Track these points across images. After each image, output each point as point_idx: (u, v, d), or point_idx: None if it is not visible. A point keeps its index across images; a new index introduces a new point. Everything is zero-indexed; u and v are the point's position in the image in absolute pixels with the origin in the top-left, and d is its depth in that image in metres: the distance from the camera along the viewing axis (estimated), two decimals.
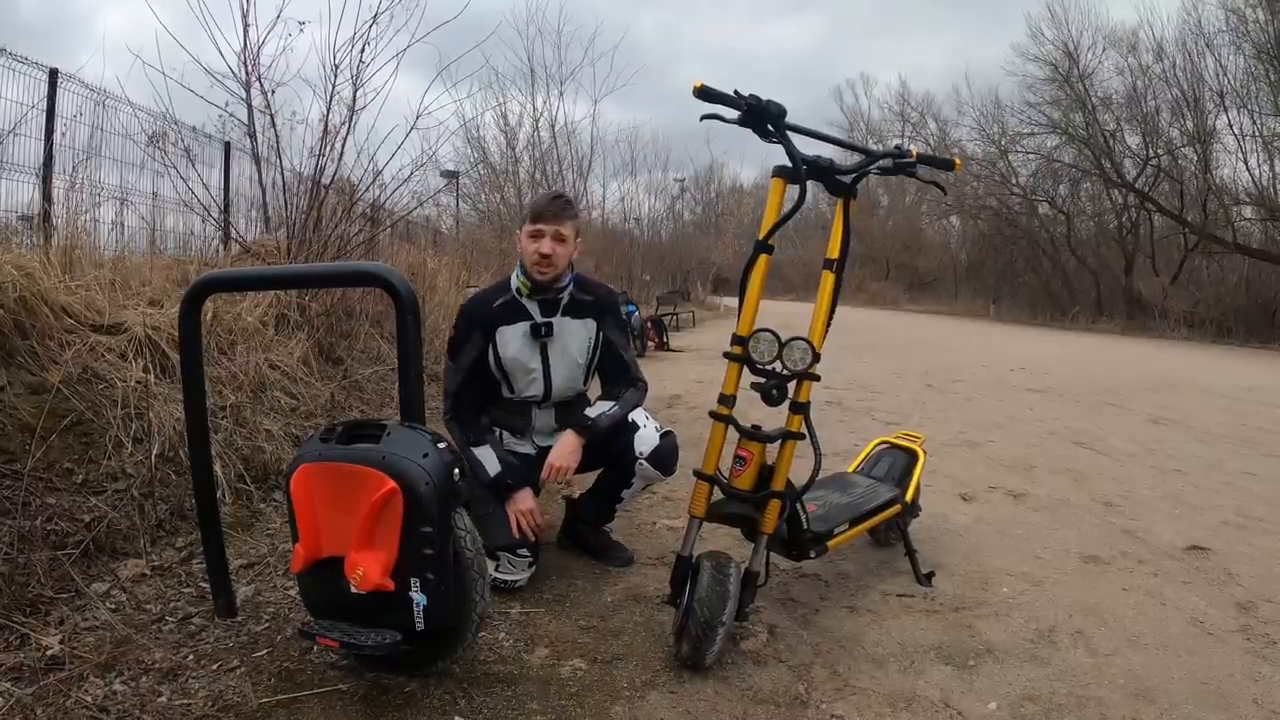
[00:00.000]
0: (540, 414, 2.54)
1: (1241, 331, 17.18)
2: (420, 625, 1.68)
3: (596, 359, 2.54)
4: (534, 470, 2.44)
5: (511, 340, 2.43)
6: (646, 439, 2.46)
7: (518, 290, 2.45)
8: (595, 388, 2.61)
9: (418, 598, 1.67)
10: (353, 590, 1.66)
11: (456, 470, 1.73)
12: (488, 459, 2.35)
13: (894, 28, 68.03)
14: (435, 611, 1.68)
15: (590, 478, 2.68)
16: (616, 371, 2.56)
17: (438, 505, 1.66)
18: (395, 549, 1.65)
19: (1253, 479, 3.99)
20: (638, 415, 2.51)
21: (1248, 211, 20.22)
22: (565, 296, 2.46)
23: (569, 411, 2.50)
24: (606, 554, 2.68)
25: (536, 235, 2.35)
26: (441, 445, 1.74)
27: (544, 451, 2.46)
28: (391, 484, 1.63)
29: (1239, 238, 19.45)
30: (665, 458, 2.48)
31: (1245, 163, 19.74)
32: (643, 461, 2.45)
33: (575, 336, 2.48)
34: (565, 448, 2.35)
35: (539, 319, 2.44)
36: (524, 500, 2.35)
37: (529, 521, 2.34)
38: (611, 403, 2.46)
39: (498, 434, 2.53)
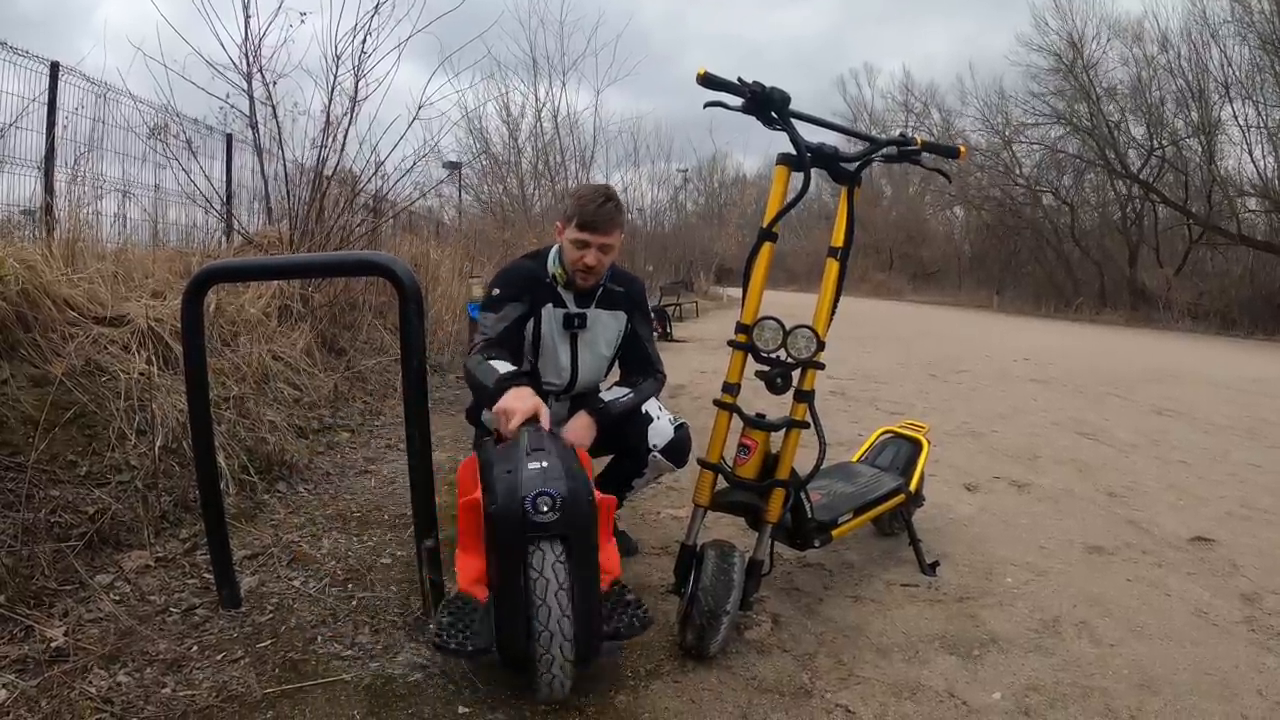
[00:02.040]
0: (556, 407, 2.43)
1: (1246, 323, 17.12)
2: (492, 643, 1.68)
3: (620, 351, 2.51)
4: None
5: (548, 322, 2.36)
6: (661, 431, 2.40)
7: (553, 277, 2.37)
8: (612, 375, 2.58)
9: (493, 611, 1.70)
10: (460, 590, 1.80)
11: (538, 499, 1.61)
12: (502, 365, 2.08)
13: (905, 14, 67.64)
14: (504, 632, 1.66)
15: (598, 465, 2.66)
16: (638, 362, 2.51)
17: (503, 528, 1.62)
18: (483, 557, 1.74)
19: (1257, 470, 3.98)
20: (651, 406, 2.43)
21: (1252, 203, 20.12)
22: (599, 289, 2.41)
23: (582, 402, 2.39)
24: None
25: (582, 245, 2.25)
26: (538, 466, 1.67)
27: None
28: (478, 492, 1.76)
29: (1243, 229, 19.36)
30: (678, 451, 2.43)
31: (1250, 154, 19.63)
32: (656, 454, 2.40)
33: (606, 328, 2.44)
34: (579, 427, 2.21)
35: (573, 309, 2.37)
36: (516, 398, 1.92)
37: (507, 425, 1.87)
38: (627, 390, 2.38)
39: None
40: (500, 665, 1.71)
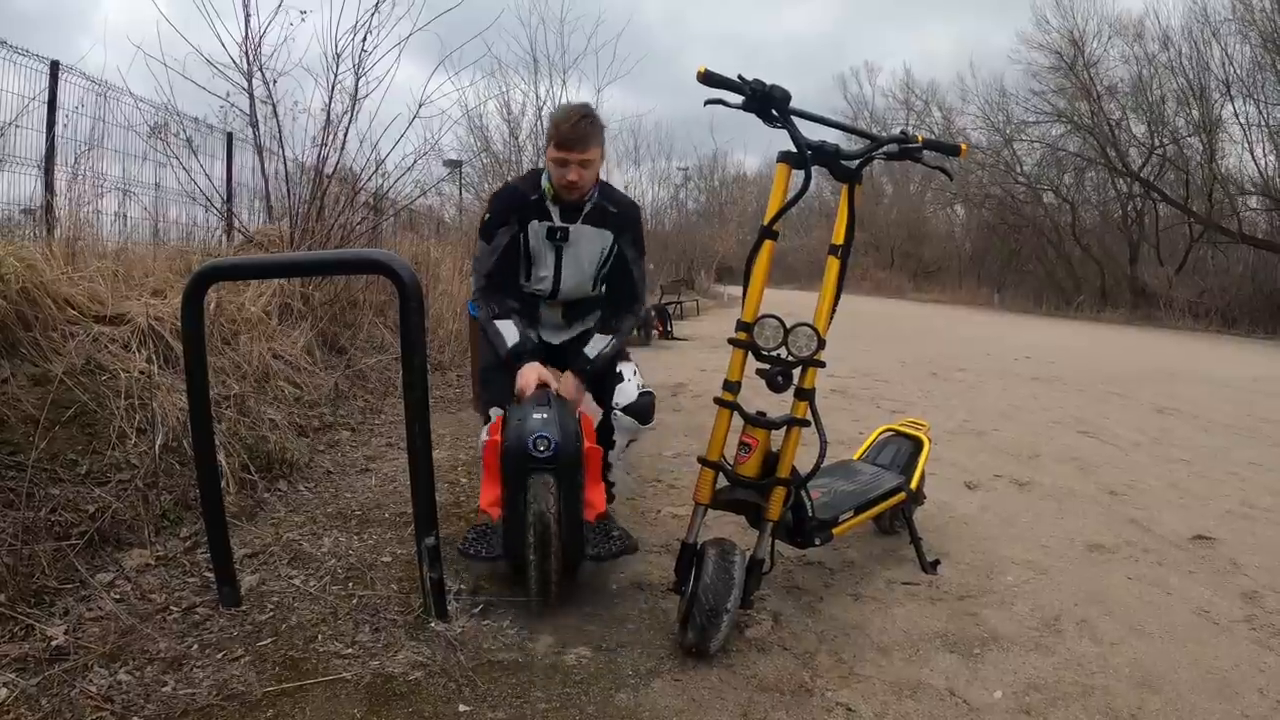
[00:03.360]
0: (547, 311, 2.65)
1: (1246, 322, 17.12)
2: (499, 551, 2.15)
3: (607, 270, 2.60)
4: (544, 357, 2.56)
5: (535, 236, 2.51)
6: (626, 393, 2.53)
7: (545, 190, 2.49)
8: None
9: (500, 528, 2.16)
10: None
11: (536, 440, 2.07)
12: (509, 331, 2.44)
13: (907, 12, 67.48)
14: (508, 544, 2.12)
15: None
16: (622, 289, 2.64)
17: (512, 461, 2.09)
18: (498, 485, 2.15)
19: (1258, 469, 3.98)
20: (626, 369, 2.58)
21: (1253, 201, 20.11)
22: (588, 205, 2.51)
23: (576, 311, 2.65)
24: None
25: (562, 163, 2.37)
26: (538, 417, 2.13)
27: (549, 347, 2.63)
28: (497, 435, 2.18)
29: (1244, 228, 19.35)
30: (641, 411, 2.53)
31: (1251, 152, 19.65)
32: (617, 413, 2.51)
33: (590, 244, 2.54)
34: (569, 386, 2.45)
35: (557, 223, 2.50)
36: (530, 372, 2.34)
37: (526, 391, 2.31)
38: (608, 337, 2.55)
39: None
40: (508, 569, 2.21)
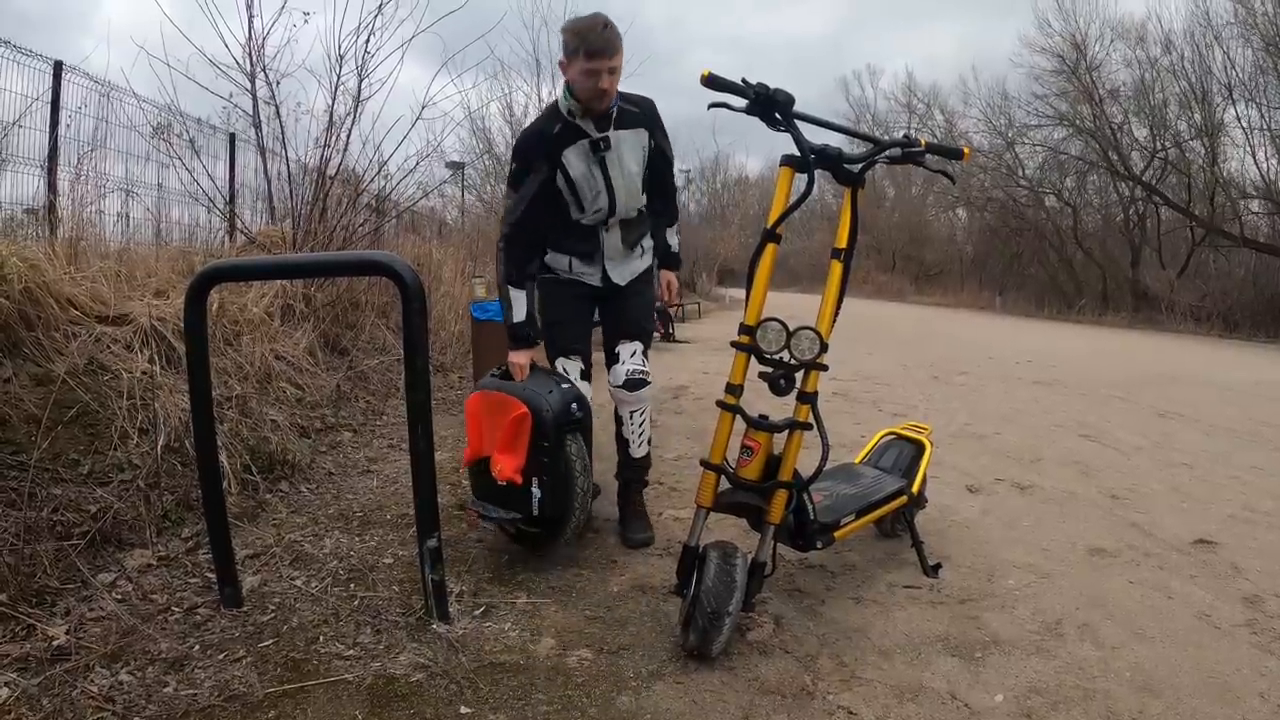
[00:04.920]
0: (608, 236, 2.66)
1: (1248, 326, 17.08)
2: (535, 512, 2.37)
3: (648, 168, 2.66)
4: (584, 319, 2.75)
5: (576, 161, 2.52)
6: (616, 373, 2.71)
7: (569, 113, 2.50)
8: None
9: (536, 492, 2.35)
10: (497, 483, 2.36)
11: (574, 404, 2.41)
12: (519, 304, 2.56)
13: (909, 16, 67.46)
14: (547, 504, 2.36)
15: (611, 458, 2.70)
16: (666, 182, 2.78)
17: (554, 429, 2.34)
18: (524, 456, 2.33)
19: (1260, 473, 3.97)
20: (624, 351, 2.71)
21: (1255, 205, 20.07)
22: (614, 110, 2.53)
23: (632, 233, 2.70)
24: (625, 525, 2.79)
25: (593, 73, 2.38)
26: (565, 385, 2.46)
27: (610, 284, 2.69)
28: (523, 409, 2.33)
29: (1246, 231, 19.32)
30: (631, 384, 2.70)
31: (1253, 156, 19.58)
32: (612, 388, 2.74)
33: (630, 147, 2.58)
34: (674, 284, 2.97)
35: (595, 134, 2.52)
36: (520, 356, 2.53)
37: (520, 375, 2.50)
38: (675, 227, 2.92)
39: (567, 262, 2.68)
40: (512, 527, 2.46)
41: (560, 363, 2.67)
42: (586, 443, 2.48)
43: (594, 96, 2.42)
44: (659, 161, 2.68)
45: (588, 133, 2.51)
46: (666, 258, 2.92)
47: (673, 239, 2.91)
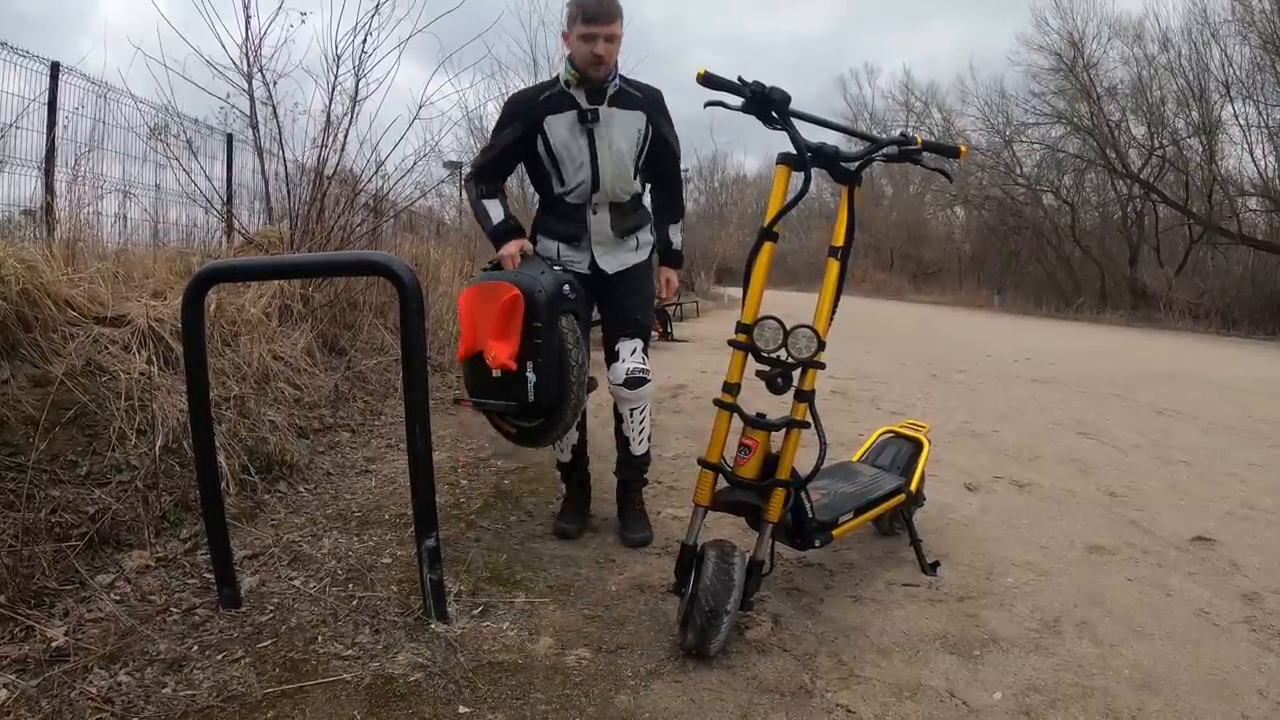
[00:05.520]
0: (595, 220, 2.62)
1: (1246, 323, 17.10)
2: (531, 397, 2.28)
3: (645, 153, 2.62)
4: (583, 287, 2.60)
5: (558, 128, 2.51)
6: (616, 372, 2.67)
7: (565, 83, 2.51)
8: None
9: (531, 376, 2.27)
10: (492, 374, 2.27)
11: (565, 285, 2.35)
12: (494, 209, 2.57)
13: (907, 14, 67.49)
14: (542, 388, 2.28)
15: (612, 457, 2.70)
16: (671, 172, 2.79)
17: (547, 308, 2.27)
18: (517, 340, 2.25)
19: (1258, 470, 3.98)
20: (624, 348, 2.67)
21: (1253, 203, 20.12)
22: (612, 88, 2.52)
23: (623, 219, 2.65)
24: (624, 524, 2.80)
25: (590, 38, 2.40)
26: (557, 268, 2.44)
27: (599, 272, 2.65)
28: (515, 291, 2.25)
29: (1244, 229, 19.35)
30: (630, 383, 2.67)
31: (1251, 154, 19.64)
32: (611, 386, 2.70)
33: (623, 126, 2.55)
34: (673, 280, 2.92)
35: (585, 105, 2.51)
36: (511, 246, 2.52)
37: (511, 265, 2.48)
38: (678, 224, 2.88)
39: (555, 249, 2.66)
40: (512, 426, 2.46)
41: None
42: (582, 328, 2.47)
43: (590, 63, 2.43)
44: (661, 150, 2.65)
45: (579, 102, 2.50)
46: (668, 254, 2.89)
47: (675, 236, 2.88)
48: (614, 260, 2.67)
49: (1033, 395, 6.37)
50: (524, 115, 2.53)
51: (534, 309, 2.26)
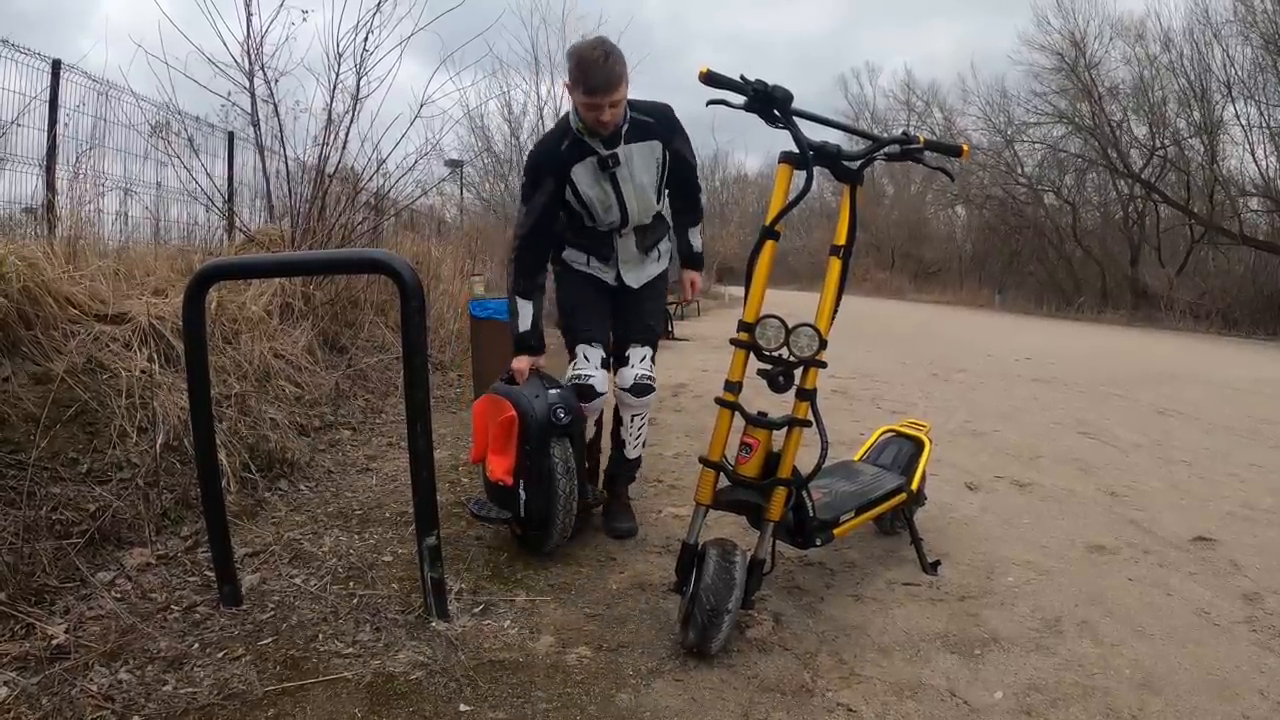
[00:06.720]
0: (622, 242, 2.69)
1: (1247, 323, 17.06)
2: (521, 513, 2.42)
3: (666, 177, 2.64)
4: (603, 309, 2.75)
5: (583, 176, 2.52)
6: (624, 376, 2.72)
7: (578, 130, 2.49)
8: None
9: (522, 494, 2.40)
10: (491, 480, 2.47)
11: (559, 411, 2.42)
12: (525, 314, 2.60)
13: (908, 13, 67.45)
14: (531, 505, 2.40)
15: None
16: (690, 183, 2.79)
17: (536, 434, 2.38)
18: (513, 457, 2.40)
19: (1259, 470, 3.97)
20: (634, 354, 2.72)
21: (1254, 203, 20.05)
22: (625, 125, 2.50)
23: (647, 237, 2.71)
24: (609, 516, 2.84)
25: (594, 107, 2.36)
26: (552, 391, 2.47)
27: (623, 285, 2.73)
28: (513, 412, 2.40)
29: (1245, 229, 19.31)
30: (637, 390, 2.71)
31: (1252, 154, 19.56)
32: (618, 390, 2.73)
33: (643, 160, 2.56)
34: (696, 282, 3.14)
35: (604, 152, 2.50)
36: (521, 362, 2.58)
37: (521, 380, 2.54)
38: (698, 227, 2.94)
39: (585, 258, 2.72)
40: (517, 528, 2.54)
41: (581, 350, 2.68)
42: (576, 448, 2.51)
43: (597, 127, 2.42)
44: (680, 166, 2.66)
45: (596, 150, 2.50)
46: (689, 258, 2.97)
47: (696, 239, 2.93)
48: (639, 275, 2.76)
49: (1033, 395, 6.36)
50: (552, 170, 2.52)
51: (526, 432, 2.38)
